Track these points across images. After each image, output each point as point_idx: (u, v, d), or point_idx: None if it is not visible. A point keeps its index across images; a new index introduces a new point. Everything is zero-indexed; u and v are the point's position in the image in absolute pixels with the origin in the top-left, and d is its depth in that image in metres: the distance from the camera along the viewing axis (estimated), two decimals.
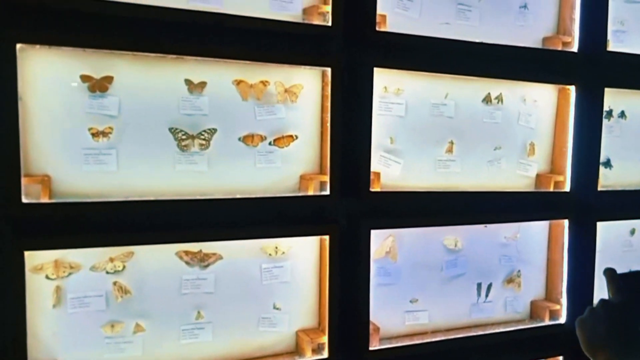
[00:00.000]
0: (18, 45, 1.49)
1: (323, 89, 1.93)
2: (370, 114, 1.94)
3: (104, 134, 1.67)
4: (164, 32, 1.68)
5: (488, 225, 2.30)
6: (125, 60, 1.68)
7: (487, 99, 2.24)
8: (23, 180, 1.53)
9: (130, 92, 1.70)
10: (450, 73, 2.11)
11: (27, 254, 1.56)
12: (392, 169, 2.09)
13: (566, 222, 2.37)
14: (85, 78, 1.63)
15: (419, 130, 2.13)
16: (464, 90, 2.19)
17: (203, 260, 1.83)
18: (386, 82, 2.05)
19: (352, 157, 1.95)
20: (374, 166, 2.02)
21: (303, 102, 1.92)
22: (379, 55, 1.96)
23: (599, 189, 2.41)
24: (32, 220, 1.57)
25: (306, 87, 1.92)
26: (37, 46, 1.54)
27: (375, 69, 1.95)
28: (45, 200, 1.57)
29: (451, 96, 2.17)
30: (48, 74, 1.59)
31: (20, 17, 1.50)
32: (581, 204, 2.37)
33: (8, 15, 1.49)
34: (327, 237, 1.93)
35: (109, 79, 1.66)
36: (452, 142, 2.19)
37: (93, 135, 1.66)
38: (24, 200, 1.53)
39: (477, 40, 2.13)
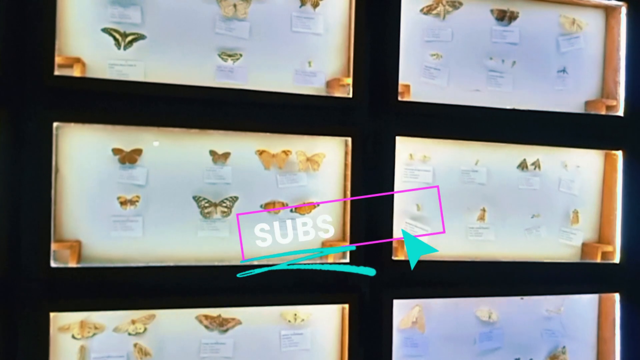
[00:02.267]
0: (55, 124, 1.65)
1: (345, 157, 1.96)
2: (392, 181, 1.94)
3: (131, 202, 1.78)
4: (190, 108, 1.79)
5: (527, 297, 2.18)
6: (154, 134, 1.80)
7: (522, 165, 2.16)
8: (53, 246, 1.67)
9: (158, 163, 1.82)
10: (480, 140, 2.07)
11: (55, 314, 1.68)
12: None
13: (617, 296, 2.20)
14: (116, 151, 1.77)
15: (448, 197, 2.09)
16: (497, 157, 2.14)
17: (222, 325, 1.87)
18: (412, 149, 2.05)
19: (374, 225, 1.94)
20: (399, 234, 2.00)
21: (325, 170, 1.96)
22: (402, 124, 1.96)
23: None
24: (60, 284, 1.68)
25: (328, 155, 1.96)
26: (72, 124, 1.70)
27: (401, 137, 1.96)
28: (73, 264, 1.69)
29: (482, 162, 2.12)
30: (82, 148, 1.74)
31: (57, 99, 1.67)
32: (634, 277, 2.19)
33: (46, 97, 1.66)
34: (347, 306, 1.91)
35: (138, 152, 1.79)
36: (484, 210, 2.12)
37: (121, 203, 1.78)
38: (53, 264, 1.65)
39: (509, 107, 2.09)
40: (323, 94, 1.94)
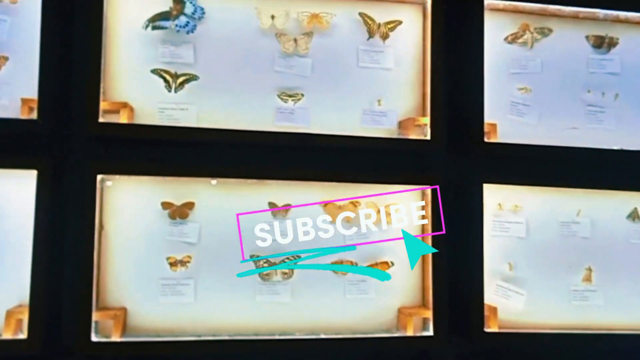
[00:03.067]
0: (99, 176, 1.48)
1: (423, 208, 1.69)
2: (481, 236, 1.65)
3: (182, 263, 1.57)
4: (247, 155, 1.59)
5: None
6: (207, 186, 1.60)
7: (633, 215, 1.83)
8: (95, 316, 1.47)
9: (211, 218, 1.61)
10: (581, 187, 1.76)
11: None
12: (512, 302, 1.73)
13: None
14: (166, 205, 1.57)
15: (545, 255, 1.77)
16: (602, 206, 1.81)
17: None
18: (500, 198, 1.76)
19: (460, 288, 1.65)
20: (489, 299, 1.69)
21: (400, 223, 1.69)
22: (489, 170, 1.70)
23: None
24: None
25: (404, 206, 1.69)
26: (117, 176, 1.52)
27: (488, 184, 1.69)
28: (116, 338, 1.48)
29: (585, 212, 1.80)
30: (129, 202, 1.56)
31: (102, 148, 1.50)
32: None
33: (90, 146, 1.50)
34: None
35: (189, 205, 1.59)
36: (589, 269, 1.79)
37: (171, 264, 1.57)
38: (94, 338, 1.44)
39: (615, 147, 1.78)
40: (395, 136, 1.70)
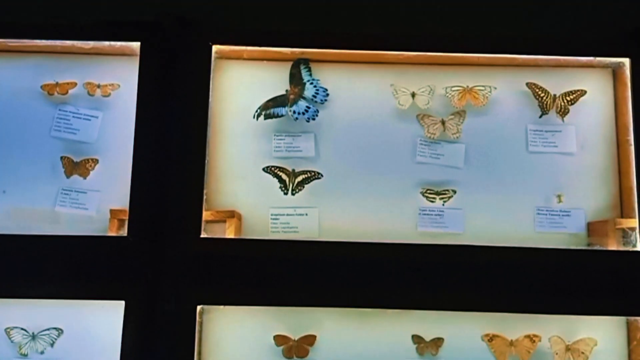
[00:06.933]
0: (199, 307, 1.16)
1: (628, 346, 1.21)
2: None
3: None
4: (384, 275, 1.21)
5: None
6: (332, 314, 1.24)
7: None
8: None
9: (339, 356, 1.23)
10: None
11: None
12: None
13: None
14: (279, 340, 1.22)
15: None
16: None
17: None
18: None
19: None
20: None
21: None
22: None
23: None
24: None
25: (602, 342, 1.23)
26: (221, 306, 1.20)
27: None
28: None
29: None
30: (234, 337, 1.23)
31: (203, 271, 1.19)
32: None
33: (189, 268, 1.19)
34: None
35: (310, 340, 1.23)
36: None
37: None
38: None
39: None
40: (584, 245, 1.25)
